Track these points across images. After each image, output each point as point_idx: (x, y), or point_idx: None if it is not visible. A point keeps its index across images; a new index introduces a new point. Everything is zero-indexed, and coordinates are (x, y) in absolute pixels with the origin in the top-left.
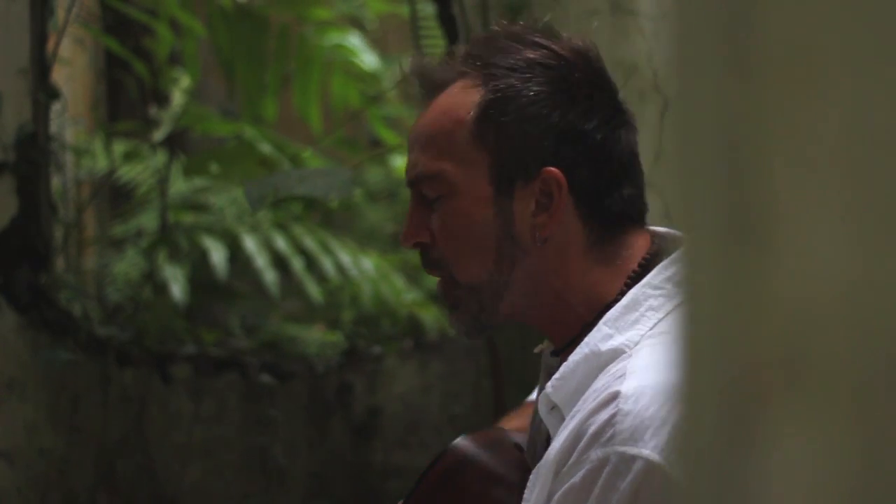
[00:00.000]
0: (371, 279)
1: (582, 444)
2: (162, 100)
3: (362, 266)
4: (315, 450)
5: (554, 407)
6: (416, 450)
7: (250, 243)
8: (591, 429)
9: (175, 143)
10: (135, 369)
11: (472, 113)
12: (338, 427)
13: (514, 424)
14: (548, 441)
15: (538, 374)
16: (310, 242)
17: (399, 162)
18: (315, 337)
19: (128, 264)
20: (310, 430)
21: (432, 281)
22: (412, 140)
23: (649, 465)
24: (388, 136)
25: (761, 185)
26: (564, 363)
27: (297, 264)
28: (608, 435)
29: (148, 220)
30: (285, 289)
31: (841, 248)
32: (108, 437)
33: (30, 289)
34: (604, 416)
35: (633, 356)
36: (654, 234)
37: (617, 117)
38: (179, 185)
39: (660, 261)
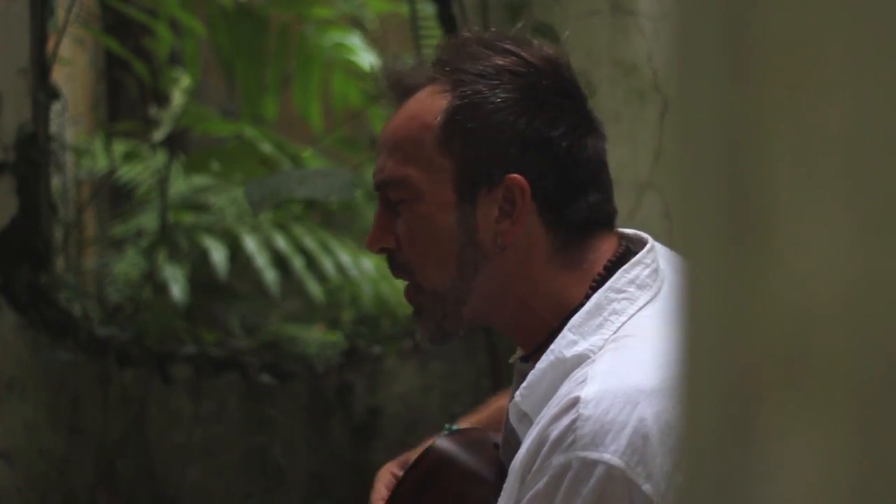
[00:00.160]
0: (371, 279)
1: (544, 450)
2: (162, 100)
3: (362, 266)
4: (315, 450)
5: (525, 415)
6: None
7: (250, 243)
8: (553, 435)
9: (175, 143)
10: (135, 369)
11: (438, 118)
12: (338, 427)
13: (475, 419)
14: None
15: None
16: (310, 242)
17: None
18: (315, 337)
19: (128, 264)
20: (310, 430)
21: None
22: (380, 144)
23: (611, 469)
24: None
25: (761, 185)
26: (532, 371)
27: (298, 264)
28: (569, 441)
29: (148, 220)
30: (285, 289)
31: (841, 248)
32: (107, 437)
33: (30, 289)
34: (565, 421)
35: (596, 361)
36: (622, 237)
37: (584, 125)
38: (179, 185)
39: (625, 263)
